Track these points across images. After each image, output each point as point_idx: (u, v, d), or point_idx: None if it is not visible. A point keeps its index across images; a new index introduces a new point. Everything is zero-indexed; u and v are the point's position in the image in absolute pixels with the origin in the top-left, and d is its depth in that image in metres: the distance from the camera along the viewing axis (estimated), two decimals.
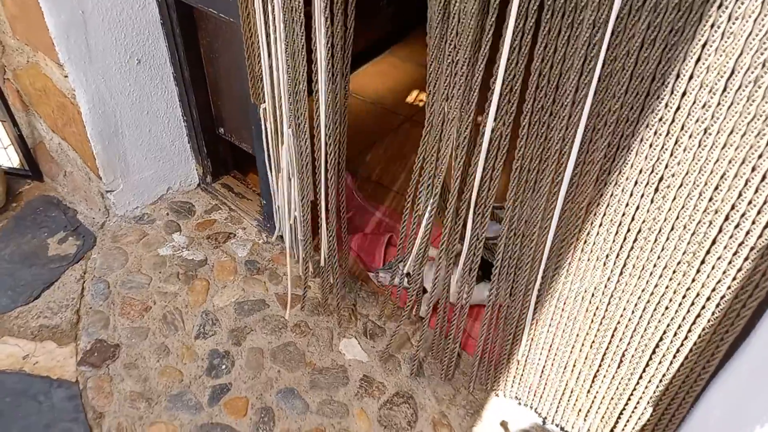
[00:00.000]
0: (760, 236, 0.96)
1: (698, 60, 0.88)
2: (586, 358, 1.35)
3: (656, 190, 1.04)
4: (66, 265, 1.94)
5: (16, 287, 1.85)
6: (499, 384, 1.58)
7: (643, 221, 1.09)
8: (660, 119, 0.96)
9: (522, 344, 1.44)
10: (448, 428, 1.55)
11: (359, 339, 1.76)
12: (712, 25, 0.84)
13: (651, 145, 0.99)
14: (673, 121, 0.95)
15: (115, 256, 1.98)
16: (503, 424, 1.56)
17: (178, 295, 1.86)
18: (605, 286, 1.21)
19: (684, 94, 0.92)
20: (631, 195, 1.07)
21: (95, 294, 1.85)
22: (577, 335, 1.33)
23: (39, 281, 1.88)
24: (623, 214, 1.10)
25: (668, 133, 0.97)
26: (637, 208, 1.07)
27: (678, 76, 0.90)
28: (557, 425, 1.54)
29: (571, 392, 1.43)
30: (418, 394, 1.62)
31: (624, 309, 1.21)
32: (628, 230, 1.11)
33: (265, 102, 1.54)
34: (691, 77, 0.90)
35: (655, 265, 1.11)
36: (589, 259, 1.19)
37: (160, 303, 1.83)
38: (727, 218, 0.98)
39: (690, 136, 0.95)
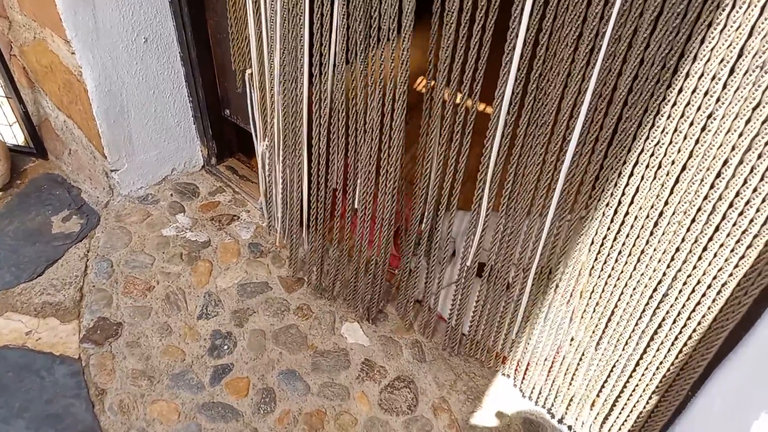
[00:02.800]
0: (764, 224, 0.96)
1: (702, 42, 0.87)
2: (580, 344, 1.35)
3: (655, 175, 1.04)
4: (69, 243, 1.94)
5: (19, 264, 1.85)
6: (497, 365, 1.59)
7: (641, 206, 1.08)
8: (663, 101, 0.96)
9: (516, 328, 1.44)
10: (449, 413, 1.56)
11: (361, 323, 1.76)
12: (718, 6, 0.84)
13: (652, 127, 0.99)
14: (675, 103, 0.95)
15: (118, 236, 1.98)
16: (500, 414, 1.56)
17: (181, 275, 1.87)
18: (601, 269, 1.21)
19: (687, 76, 0.92)
20: (631, 176, 1.06)
21: (98, 272, 1.85)
22: (571, 319, 1.33)
23: (42, 258, 1.88)
24: (622, 195, 1.10)
25: (670, 116, 0.96)
26: (637, 190, 1.07)
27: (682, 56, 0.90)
28: (555, 413, 1.54)
29: (570, 380, 1.44)
30: (419, 379, 1.63)
31: (621, 293, 1.21)
32: (627, 213, 1.11)
33: (250, 67, 1.54)
34: (695, 59, 0.89)
35: (654, 250, 1.11)
36: (585, 241, 1.19)
37: (163, 283, 1.84)
38: (731, 205, 0.98)
39: (691, 123, 0.95)
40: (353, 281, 1.70)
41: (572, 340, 1.37)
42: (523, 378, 1.55)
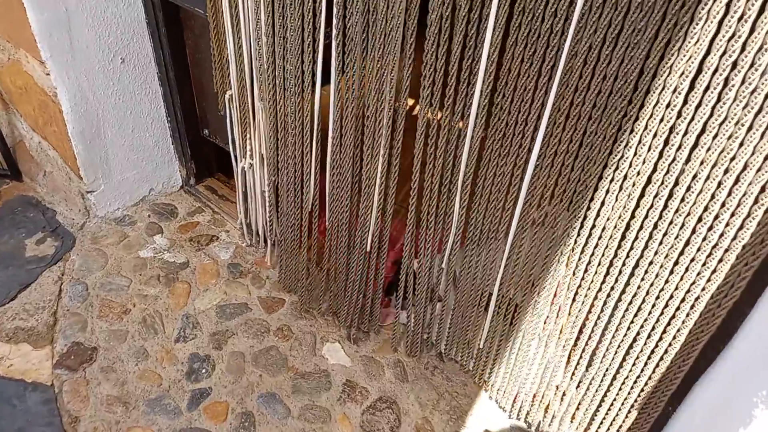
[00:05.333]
0: (734, 238, 0.97)
1: (661, 59, 0.89)
2: (558, 359, 1.35)
3: (621, 187, 1.05)
4: (44, 267, 1.90)
5: None
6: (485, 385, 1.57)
7: (608, 218, 1.09)
8: (624, 116, 0.97)
9: (501, 349, 1.44)
10: None
11: (342, 343, 1.74)
12: (675, 24, 0.85)
13: (615, 142, 1.00)
14: (637, 118, 0.96)
15: (94, 258, 1.94)
16: None
17: (159, 298, 1.83)
18: (570, 282, 1.21)
19: (648, 91, 0.93)
20: (596, 191, 1.07)
21: (73, 296, 1.81)
22: (549, 335, 1.33)
23: (15, 282, 1.83)
24: (588, 209, 1.10)
25: (633, 130, 0.97)
26: (602, 204, 1.08)
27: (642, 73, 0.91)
28: (539, 431, 1.53)
29: (550, 396, 1.43)
30: (401, 399, 1.61)
31: (592, 308, 1.21)
32: (593, 226, 1.11)
33: (230, 89, 1.56)
34: (654, 76, 0.91)
35: (624, 264, 1.11)
36: (555, 256, 1.20)
37: (139, 306, 1.80)
38: (700, 220, 0.99)
39: (655, 135, 0.96)
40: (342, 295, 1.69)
41: (550, 362, 1.37)
42: (513, 400, 1.54)
